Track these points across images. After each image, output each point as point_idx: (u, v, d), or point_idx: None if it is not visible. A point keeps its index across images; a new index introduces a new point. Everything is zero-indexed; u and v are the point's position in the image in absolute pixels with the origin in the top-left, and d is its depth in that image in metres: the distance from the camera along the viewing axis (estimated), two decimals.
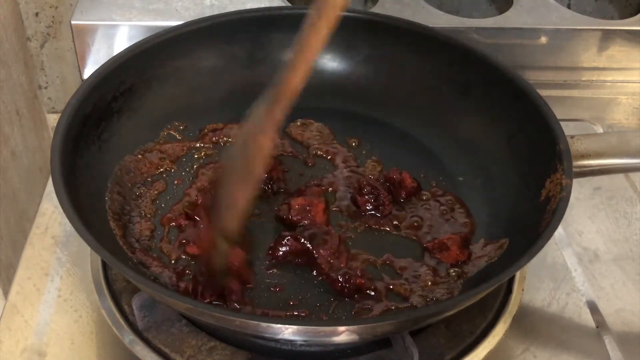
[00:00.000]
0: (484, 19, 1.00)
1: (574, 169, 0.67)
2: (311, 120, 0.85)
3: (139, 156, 0.77)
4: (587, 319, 0.71)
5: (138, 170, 0.76)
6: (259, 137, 0.58)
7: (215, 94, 0.85)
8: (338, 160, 0.80)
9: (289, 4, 0.99)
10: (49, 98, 1.16)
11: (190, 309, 0.59)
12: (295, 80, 0.56)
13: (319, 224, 0.70)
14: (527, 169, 0.73)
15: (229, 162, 0.60)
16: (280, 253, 0.68)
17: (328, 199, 0.74)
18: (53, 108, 1.17)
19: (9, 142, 0.98)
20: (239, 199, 0.59)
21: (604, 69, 1.01)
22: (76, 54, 0.96)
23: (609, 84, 1.02)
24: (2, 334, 0.66)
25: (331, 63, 0.88)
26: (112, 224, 0.70)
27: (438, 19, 0.98)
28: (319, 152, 0.81)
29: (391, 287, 0.67)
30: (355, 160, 0.80)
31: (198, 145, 0.81)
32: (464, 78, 0.83)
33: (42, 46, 1.10)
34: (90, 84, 0.74)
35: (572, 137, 0.71)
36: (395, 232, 0.73)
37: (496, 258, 0.69)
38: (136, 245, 0.70)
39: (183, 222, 0.71)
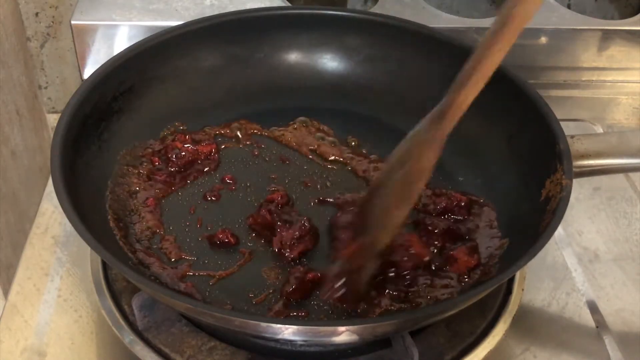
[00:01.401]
0: (484, 19, 1.00)
1: (574, 169, 0.67)
2: (311, 120, 0.85)
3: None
4: (587, 319, 0.71)
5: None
6: (423, 152, 0.55)
7: (215, 94, 0.85)
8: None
9: (289, 4, 0.99)
10: (49, 98, 1.16)
11: (190, 309, 0.59)
12: (467, 97, 0.53)
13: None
14: (527, 169, 0.73)
15: (385, 178, 0.58)
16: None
17: None
18: (53, 108, 1.17)
19: (9, 142, 0.98)
20: (396, 217, 0.57)
21: (604, 69, 1.01)
22: (76, 54, 0.96)
23: (609, 84, 1.02)
24: (2, 334, 0.66)
25: (331, 63, 0.88)
26: (112, 224, 0.70)
27: (438, 19, 0.98)
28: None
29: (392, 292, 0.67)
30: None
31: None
32: None
33: (42, 46, 1.10)
34: (90, 84, 0.74)
35: (572, 137, 0.71)
36: None
37: (496, 258, 0.69)
38: (136, 245, 0.70)
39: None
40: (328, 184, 0.78)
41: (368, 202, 0.59)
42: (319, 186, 0.78)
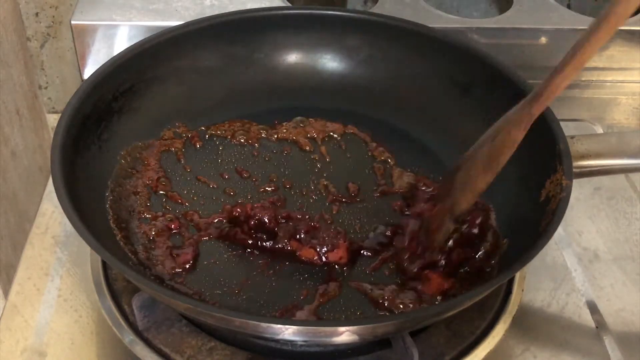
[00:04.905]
0: (484, 19, 1.00)
1: (574, 170, 0.67)
2: (311, 120, 0.85)
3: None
4: (587, 319, 0.71)
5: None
6: (512, 129, 0.61)
7: (215, 94, 0.85)
8: None
9: (289, 4, 0.99)
10: (49, 98, 1.16)
11: (190, 309, 0.59)
12: (559, 85, 0.57)
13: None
14: (527, 169, 0.73)
15: (476, 148, 0.65)
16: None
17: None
18: (53, 108, 1.16)
19: (9, 142, 0.98)
20: (479, 183, 0.64)
21: (604, 69, 1.01)
22: (76, 54, 0.96)
23: (609, 84, 1.02)
24: (2, 334, 0.66)
25: (331, 63, 0.88)
26: (112, 224, 0.70)
27: (438, 19, 0.98)
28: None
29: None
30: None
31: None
32: (464, 78, 0.83)
33: (42, 46, 1.10)
34: (90, 84, 0.74)
35: (572, 137, 0.71)
36: None
37: (496, 258, 0.69)
38: (137, 245, 0.70)
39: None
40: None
41: (453, 174, 0.67)
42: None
